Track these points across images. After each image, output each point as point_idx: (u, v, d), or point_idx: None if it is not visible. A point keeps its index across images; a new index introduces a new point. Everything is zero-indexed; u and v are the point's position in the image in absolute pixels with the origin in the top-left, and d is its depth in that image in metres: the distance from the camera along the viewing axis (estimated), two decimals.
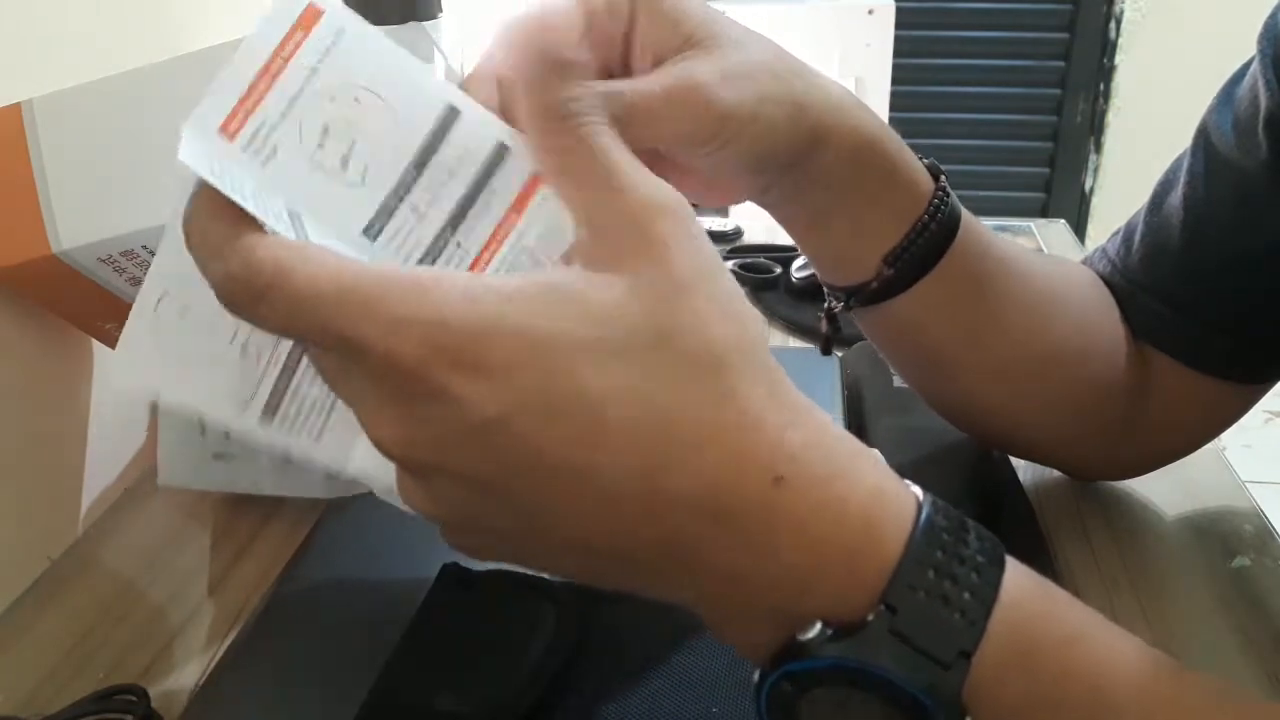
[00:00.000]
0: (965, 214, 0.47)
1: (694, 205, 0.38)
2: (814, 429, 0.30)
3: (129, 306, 0.49)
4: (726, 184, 0.43)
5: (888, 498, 0.30)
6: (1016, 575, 0.30)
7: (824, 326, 0.51)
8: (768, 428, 0.28)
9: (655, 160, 0.41)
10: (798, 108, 0.40)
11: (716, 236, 0.94)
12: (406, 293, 0.26)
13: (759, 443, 0.28)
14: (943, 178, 0.46)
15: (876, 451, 0.31)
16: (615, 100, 0.34)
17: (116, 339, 0.52)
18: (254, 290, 0.26)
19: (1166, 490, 0.56)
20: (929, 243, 0.45)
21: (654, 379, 0.27)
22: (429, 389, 0.26)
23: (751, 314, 0.30)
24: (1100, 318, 0.52)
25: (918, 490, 0.31)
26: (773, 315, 0.81)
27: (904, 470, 0.51)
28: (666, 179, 0.41)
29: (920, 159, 0.46)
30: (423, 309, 0.26)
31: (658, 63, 0.38)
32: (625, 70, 0.39)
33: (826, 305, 0.50)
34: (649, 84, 0.36)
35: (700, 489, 0.28)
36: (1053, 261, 0.54)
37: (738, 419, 0.28)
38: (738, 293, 0.30)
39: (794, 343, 0.75)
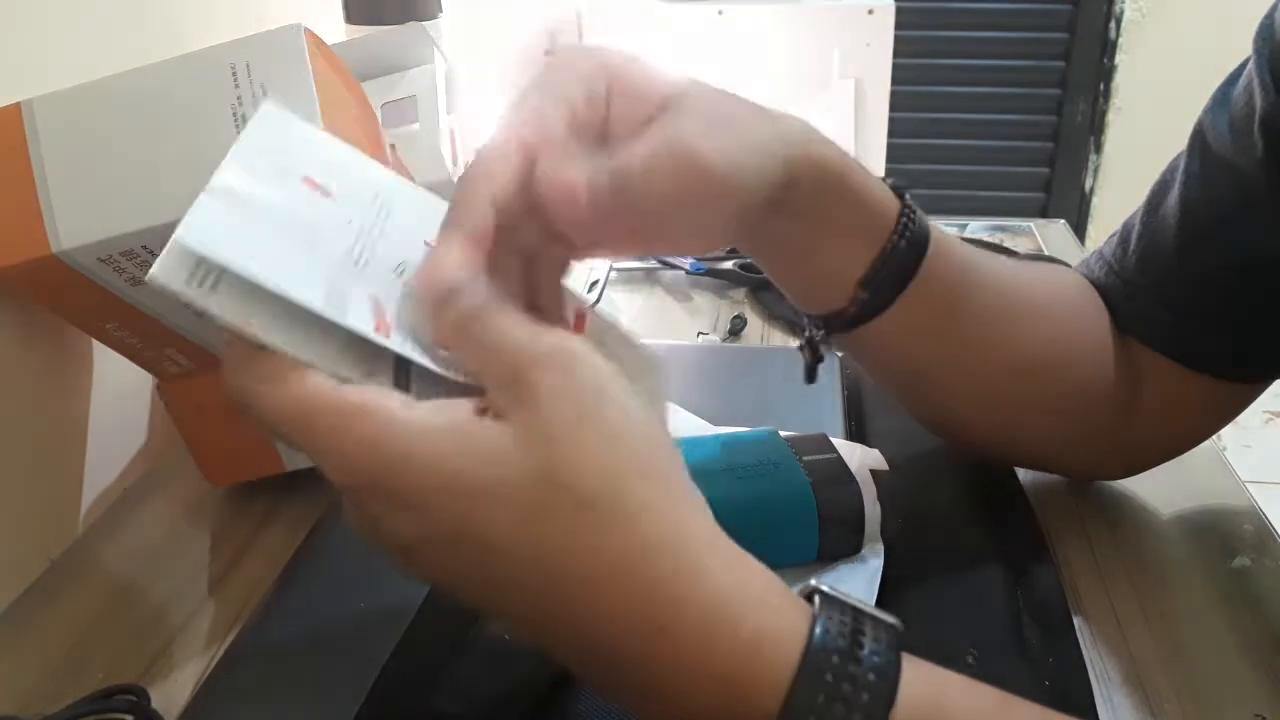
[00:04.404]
0: (935, 230, 0.47)
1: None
2: (695, 573, 0.30)
3: (129, 306, 0.49)
4: (704, 239, 0.42)
5: (765, 648, 0.29)
6: (909, 698, 0.29)
7: (806, 356, 0.51)
8: (645, 577, 0.29)
9: (643, 226, 0.39)
10: (769, 154, 0.41)
11: None
12: (332, 422, 0.30)
13: (635, 593, 0.29)
14: (907, 196, 0.46)
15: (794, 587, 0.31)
16: (621, 174, 0.36)
17: (116, 339, 0.52)
18: (244, 403, 0.32)
19: (1166, 490, 0.56)
20: (900, 262, 0.46)
21: (540, 522, 0.30)
22: (359, 506, 0.31)
23: (642, 451, 0.31)
24: (1083, 323, 0.52)
25: (805, 621, 0.30)
26: (773, 316, 0.81)
27: (904, 471, 0.52)
28: (636, 249, 0.41)
29: (884, 179, 0.47)
30: (343, 442, 0.30)
31: (633, 131, 0.38)
32: (603, 146, 0.39)
33: (807, 335, 0.50)
34: (637, 154, 0.37)
35: (584, 639, 0.30)
36: (1031, 268, 0.54)
37: (612, 568, 0.30)
38: (624, 432, 0.31)
39: (795, 343, 0.75)
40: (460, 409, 0.31)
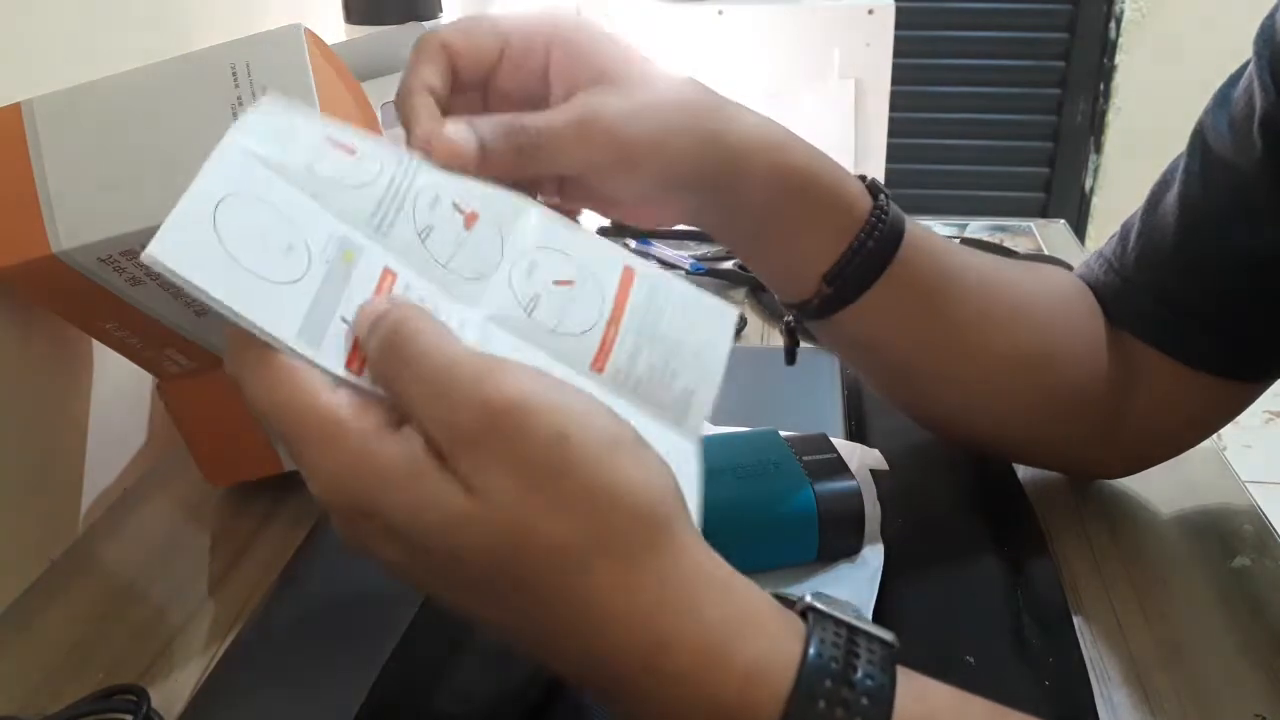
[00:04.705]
0: (913, 228, 0.47)
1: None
2: (687, 607, 0.29)
3: (129, 307, 0.49)
4: (649, 208, 0.45)
5: (759, 678, 0.29)
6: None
7: (785, 340, 0.53)
8: (630, 619, 0.29)
9: (575, 188, 0.42)
10: (709, 140, 0.42)
11: None
12: (316, 433, 0.30)
13: (620, 637, 0.29)
14: (882, 197, 0.47)
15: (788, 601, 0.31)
16: (522, 133, 0.38)
17: (117, 339, 0.52)
18: (239, 387, 0.32)
19: (1166, 490, 0.56)
20: (867, 261, 0.46)
21: (509, 581, 0.29)
22: (348, 524, 0.31)
23: (607, 495, 0.29)
24: (1073, 320, 0.52)
25: (799, 644, 0.29)
26: (771, 315, 0.81)
27: (904, 471, 0.52)
28: (589, 206, 0.44)
29: (861, 179, 0.48)
30: (326, 460, 0.30)
31: (570, 94, 0.40)
32: (541, 100, 0.41)
33: (786, 319, 0.52)
34: (554, 116, 0.39)
35: (574, 672, 0.31)
36: (1020, 268, 0.54)
37: (597, 619, 0.29)
38: (582, 494, 0.29)
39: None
40: (421, 452, 0.30)
